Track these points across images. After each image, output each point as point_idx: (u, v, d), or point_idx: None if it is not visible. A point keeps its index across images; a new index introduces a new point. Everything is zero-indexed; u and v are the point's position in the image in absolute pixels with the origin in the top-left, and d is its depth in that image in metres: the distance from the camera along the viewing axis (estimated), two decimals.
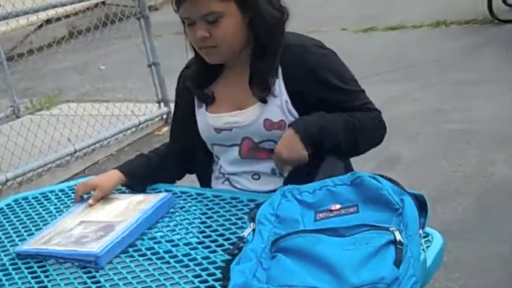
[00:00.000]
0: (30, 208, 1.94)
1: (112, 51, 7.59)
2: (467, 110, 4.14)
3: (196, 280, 1.38)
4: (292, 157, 1.66)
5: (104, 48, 7.50)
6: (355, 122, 1.69)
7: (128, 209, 1.72)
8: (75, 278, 1.51)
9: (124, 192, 1.87)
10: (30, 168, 4.11)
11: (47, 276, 1.53)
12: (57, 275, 1.52)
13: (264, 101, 1.72)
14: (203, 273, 1.40)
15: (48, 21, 8.69)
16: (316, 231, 1.36)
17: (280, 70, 1.73)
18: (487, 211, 2.96)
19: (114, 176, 1.86)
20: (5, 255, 1.65)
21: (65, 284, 1.49)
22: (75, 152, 4.35)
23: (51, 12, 6.69)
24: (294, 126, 1.66)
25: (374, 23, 6.77)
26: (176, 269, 1.44)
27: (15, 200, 2.01)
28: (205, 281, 1.37)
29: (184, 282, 1.39)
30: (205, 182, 1.93)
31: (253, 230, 1.40)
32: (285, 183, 1.69)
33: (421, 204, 1.41)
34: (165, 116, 5.03)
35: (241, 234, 1.40)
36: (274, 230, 1.39)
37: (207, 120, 1.82)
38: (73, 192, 1.96)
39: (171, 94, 5.02)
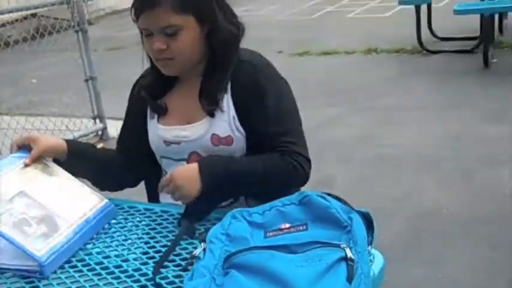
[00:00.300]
0: None
1: (44, 64, 7.46)
2: (398, 135, 4.30)
3: None
4: (182, 189, 1.63)
5: (35, 62, 7.37)
6: (267, 172, 1.67)
7: (72, 205, 1.67)
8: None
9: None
10: None
11: None
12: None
13: (211, 115, 1.73)
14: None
15: None
16: (269, 247, 1.39)
17: (229, 85, 1.74)
18: (418, 234, 3.08)
19: (56, 140, 1.80)
20: None
21: None
22: None
23: None
24: (202, 164, 1.65)
25: (308, 47, 6.93)
26: (126, 283, 1.46)
27: None
28: None
29: None
30: (153, 194, 1.94)
31: (204, 250, 1.42)
32: (186, 210, 1.68)
33: (368, 222, 1.48)
34: (100, 133, 4.99)
35: (193, 253, 1.42)
36: (226, 248, 1.42)
37: (157, 131, 1.82)
38: None
39: (107, 110, 5.02)
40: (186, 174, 1.65)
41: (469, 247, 2.97)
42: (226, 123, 1.73)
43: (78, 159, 1.81)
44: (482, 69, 5.51)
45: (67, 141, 1.82)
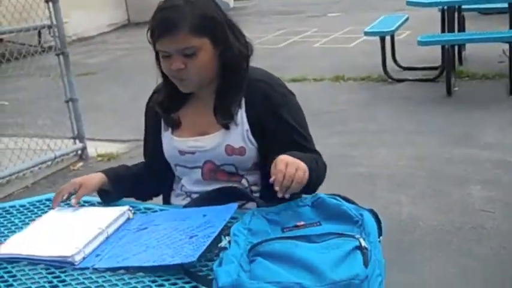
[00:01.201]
0: None
1: (13, 87, 7.48)
2: (370, 156, 4.52)
3: None
4: (301, 166, 1.65)
5: (4, 85, 7.38)
6: (318, 164, 1.86)
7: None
8: (40, 278, 1.61)
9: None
10: None
11: (16, 280, 1.61)
12: (26, 279, 1.61)
13: (226, 127, 1.90)
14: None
15: None
16: (291, 237, 1.56)
17: (243, 101, 1.90)
18: (397, 244, 3.27)
19: (95, 175, 1.98)
20: None
21: (31, 283, 1.58)
22: None
23: None
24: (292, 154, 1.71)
25: (279, 74, 7.10)
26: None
27: None
28: None
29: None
30: (166, 199, 2.09)
31: (229, 242, 1.55)
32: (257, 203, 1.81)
33: (376, 218, 1.66)
34: (79, 152, 5.08)
35: (219, 245, 1.56)
36: (248, 240, 1.56)
37: (172, 142, 1.97)
38: (35, 207, 2.07)
39: (86, 131, 5.13)
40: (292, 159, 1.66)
41: (444, 256, 3.17)
42: (239, 135, 1.89)
43: (119, 182, 2.00)
44: (445, 97, 5.81)
45: (103, 171, 2.01)
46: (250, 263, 1.48)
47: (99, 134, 5.55)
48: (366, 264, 1.45)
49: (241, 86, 1.89)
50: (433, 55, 6.45)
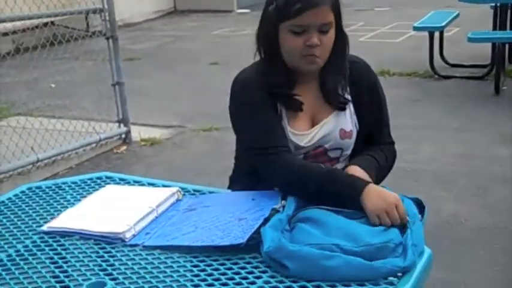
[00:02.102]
0: (46, 195, 2.06)
1: (60, 70, 7.62)
2: (414, 152, 4.48)
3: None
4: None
5: (51, 67, 7.52)
6: (387, 159, 1.94)
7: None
8: (92, 252, 1.65)
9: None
10: None
11: (68, 253, 1.66)
12: (78, 253, 1.66)
13: (343, 108, 1.89)
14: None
15: None
16: (330, 210, 1.63)
17: (347, 83, 1.91)
18: (438, 242, 3.24)
19: None
20: (29, 236, 1.77)
21: (83, 257, 1.62)
22: (38, 161, 4.41)
23: None
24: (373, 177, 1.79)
25: None
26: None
27: (29, 188, 2.13)
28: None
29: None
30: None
31: (283, 206, 1.65)
32: None
33: (419, 205, 1.74)
34: (123, 136, 5.15)
35: (274, 207, 1.64)
36: (295, 210, 1.66)
37: (289, 136, 1.86)
38: (86, 185, 2.11)
39: (130, 115, 5.20)
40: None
41: (486, 255, 3.14)
42: (349, 118, 1.91)
43: None
44: (492, 95, 5.72)
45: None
46: (292, 230, 1.58)
47: (142, 118, 5.61)
48: (402, 234, 1.56)
49: (346, 69, 1.90)
50: (482, 53, 6.35)
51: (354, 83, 1.91)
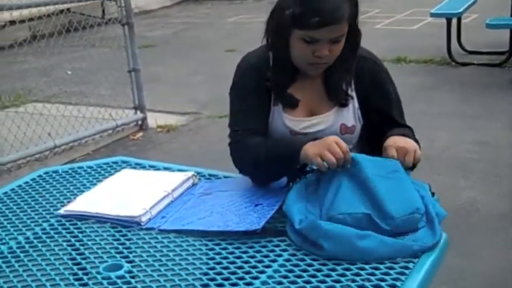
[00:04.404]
0: (63, 179, 2.08)
1: (76, 57, 7.64)
2: (430, 139, 4.45)
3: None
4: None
5: (67, 54, 7.55)
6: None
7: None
8: (108, 235, 1.67)
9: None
10: (10, 159, 4.19)
11: (85, 236, 1.68)
12: (95, 236, 1.67)
13: (344, 105, 1.87)
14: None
15: (12, 22, 8.68)
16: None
17: (352, 79, 1.89)
18: (455, 228, 3.23)
19: None
20: (47, 219, 1.80)
21: (100, 240, 1.64)
22: (55, 147, 4.45)
23: (15, 14, 6.72)
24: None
25: None
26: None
27: (46, 172, 2.15)
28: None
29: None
30: None
31: (316, 169, 1.65)
32: None
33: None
34: (140, 122, 5.17)
35: (310, 167, 1.67)
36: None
37: (284, 120, 1.88)
38: (102, 169, 2.13)
39: (145, 102, 5.22)
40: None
41: (502, 243, 3.13)
42: (352, 113, 1.89)
43: None
44: (510, 82, 5.67)
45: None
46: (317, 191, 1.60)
47: (158, 105, 5.63)
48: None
49: (352, 66, 1.88)
50: (500, 40, 6.28)
51: (359, 79, 1.89)
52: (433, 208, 1.57)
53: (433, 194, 1.76)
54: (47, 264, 1.54)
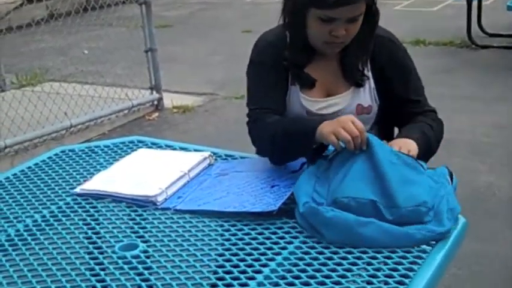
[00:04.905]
0: (79, 158, 2.08)
1: (93, 36, 7.64)
2: (449, 121, 4.36)
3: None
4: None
5: (84, 33, 7.55)
6: (433, 130, 1.87)
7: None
8: (124, 215, 1.67)
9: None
10: (27, 138, 4.21)
11: (100, 215, 1.68)
12: (110, 215, 1.67)
13: (360, 85, 1.85)
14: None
15: (30, 1, 8.69)
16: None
17: (368, 59, 1.87)
18: (472, 212, 3.20)
19: None
20: (63, 198, 1.80)
21: (115, 219, 1.64)
22: (71, 126, 4.47)
23: None
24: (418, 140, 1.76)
25: None
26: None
27: (63, 151, 2.15)
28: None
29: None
30: None
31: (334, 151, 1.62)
32: None
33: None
34: (156, 102, 5.17)
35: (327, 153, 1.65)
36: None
37: (300, 100, 1.87)
38: (118, 148, 2.12)
39: (162, 82, 5.22)
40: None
41: None
42: (368, 94, 1.88)
43: None
44: None
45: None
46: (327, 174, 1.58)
47: (174, 86, 5.61)
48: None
49: (370, 46, 1.86)
50: None
51: (374, 58, 1.86)
52: (447, 204, 1.52)
53: (451, 176, 1.73)
54: (62, 243, 1.55)
